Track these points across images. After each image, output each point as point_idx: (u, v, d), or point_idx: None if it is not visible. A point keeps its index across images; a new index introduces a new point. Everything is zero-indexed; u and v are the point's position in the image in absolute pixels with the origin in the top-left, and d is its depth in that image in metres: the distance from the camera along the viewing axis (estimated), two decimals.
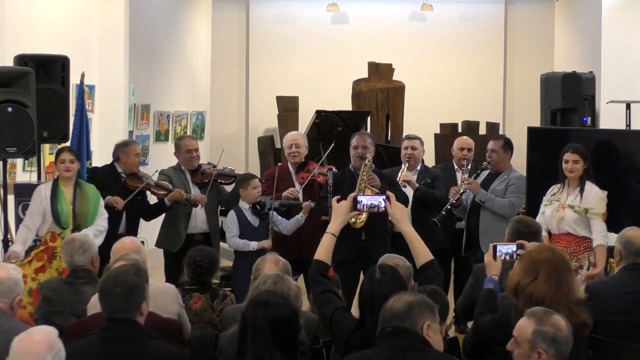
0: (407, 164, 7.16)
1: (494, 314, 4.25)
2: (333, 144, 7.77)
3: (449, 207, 6.97)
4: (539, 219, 6.10)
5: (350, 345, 3.74)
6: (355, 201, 4.15)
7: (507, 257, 4.55)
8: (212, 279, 5.22)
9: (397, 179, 6.98)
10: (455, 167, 7.60)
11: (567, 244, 6.03)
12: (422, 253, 4.11)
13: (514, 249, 4.56)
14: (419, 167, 7.27)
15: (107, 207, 6.66)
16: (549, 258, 4.08)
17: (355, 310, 4.12)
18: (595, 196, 6.10)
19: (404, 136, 7.78)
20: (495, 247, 4.56)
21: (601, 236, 6.03)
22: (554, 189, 6.26)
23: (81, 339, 3.70)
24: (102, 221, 6.46)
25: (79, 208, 6.33)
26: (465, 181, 7.09)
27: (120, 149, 7.06)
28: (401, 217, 4.15)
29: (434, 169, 7.63)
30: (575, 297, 4.10)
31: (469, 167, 7.40)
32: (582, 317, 4.00)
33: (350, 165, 6.83)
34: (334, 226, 4.13)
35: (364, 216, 6.38)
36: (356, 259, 6.45)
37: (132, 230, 6.86)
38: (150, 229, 7.27)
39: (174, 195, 6.95)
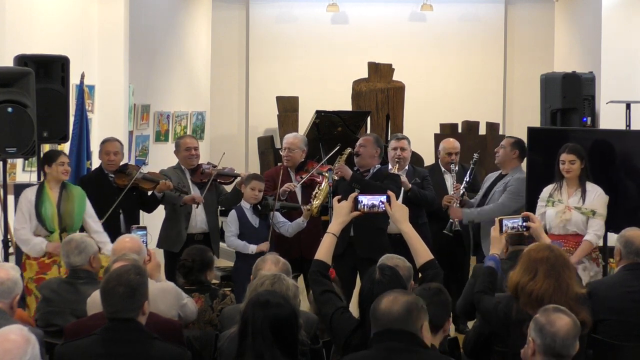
0: (396, 165, 7.15)
1: (497, 295, 4.30)
2: (338, 147, 7.74)
3: (452, 229, 7.02)
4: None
5: (350, 345, 3.75)
6: (356, 201, 4.15)
7: (512, 230, 4.66)
8: (210, 278, 5.19)
9: None
10: (443, 169, 7.60)
11: (575, 245, 6.05)
12: (422, 253, 4.12)
13: (520, 222, 4.66)
14: (406, 167, 7.28)
15: (111, 214, 6.69)
16: (547, 256, 4.11)
17: (352, 308, 4.13)
18: (599, 198, 6.12)
19: (391, 137, 7.76)
20: (501, 221, 4.64)
21: (595, 234, 6.05)
22: (550, 189, 6.25)
23: (83, 339, 3.70)
24: (98, 226, 6.44)
25: (64, 209, 6.29)
26: (457, 188, 7.14)
27: (99, 148, 7.09)
28: (401, 217, 4.15)
29: (421, 169, 7.62)
30: (576, 294, 4.11)
31: (457, 169, 7.42)
32: (582, 315, 4.01)
33: (355, 168, 6.85)
34: (335, 226, 4.13)
35: (316, 203, 6.49)
36: (343, 253, 6.43)
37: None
38: (151, 230, 7.27)
39: (161, 187, 6.97)
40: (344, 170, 6.61)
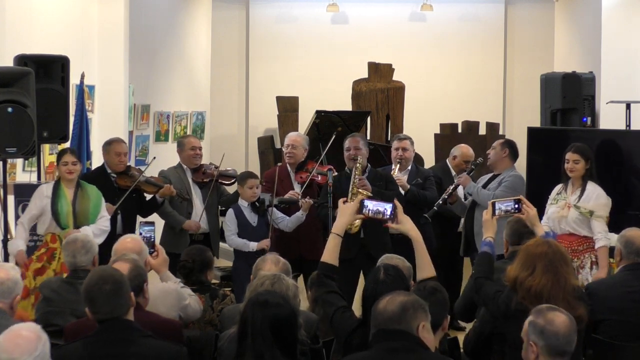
0: (398, 165, 7.15)
1: (495, 283, 4.34)
2: (332, 139, 7.79)
3: (440, 202, 6.96)
4: (544, 221, 6.11)
5: (352, 344, 3.76)
6: (362, 204, 4.16)
7: (505, 213, 4.69)
8: (210, 278, 5.18)
9: None
10: (453, 172, 7.60)
11: (568, 244, 6.03)
12: (426, 267, 4.13)
13: (513, 204, 4.69)
14: (409, 167, 7.27)
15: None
16: (545, 251, 4.13)
17: (356, 310, 4.14)
18: (598, 199, 6.10)
19: (393, 137, 7.76)
20: (494, 204, 4.67)
21: (603, 237, 6.04)
22: (558, 188, 6.26)
23: (76, 342, 3.67)
24: (104, 221, 6.45)
25: (79, 208, 6.32)
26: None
27: (103, 148, 7.08)
28: (411, 226, 4.18)
29: (424, 169, 7.61)
30: (573, 290, 4.12)
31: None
32: (579, 310, 4.03)
33: (346, 168, 6.84)
34: (339, 226, 4.13)
35: (358, 222, 6.46)
36: (355, 257, 6.45)
37: (129, 229, 6.85)
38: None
39: (164, 192, 6.98)
40: (367, 185, 6.57)
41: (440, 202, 6.95)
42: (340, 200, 4.34)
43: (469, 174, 7.12)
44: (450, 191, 6.99)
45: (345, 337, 3.81)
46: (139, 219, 7.17)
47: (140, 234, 5.09)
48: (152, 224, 5.22)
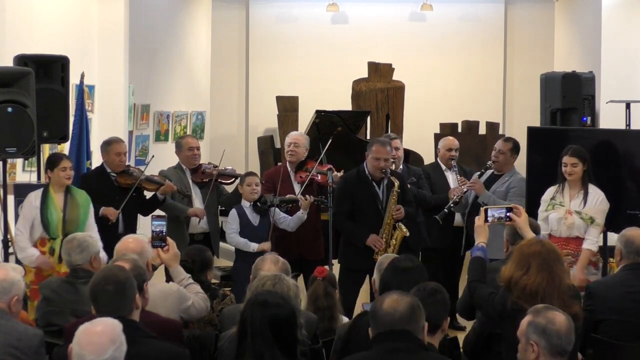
0: (392, 165, 7.15)
1: (488, 285, 4.37)
2: (331, 140, 7.81)
3: (452, 204, 7.04)
4: (540, 221, 6.10)
5: (357, 326, 3.87)
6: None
7: (497, 220, 4.75)
8: (210, 278, 5.18)
9: None
10: (443, 167, 7.61)
11: (575, 247, 6.05)
12: None
13: (505, 212, 4.76)
14: (400, 167, 7.28)
15: (102, 218, 6.64)
16: (539, 250, 4.14)
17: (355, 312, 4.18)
18: (600, 206, 6.09)
19: (383, 136, 7.77)
20: (486, 211, 4.73)
21: (593, 242, 6.03)
22: (552, 191, 6.23)
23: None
24: (94, 234, 6.39)
25: (69, 215, 6.25)
26: (463, 182, 7.15)
27: (102, 148, 7.08)
28: None
29: (414, 168, 7.64)
30: (568, 288, 4.14)
31: (456, 166, 7.45)
32: (575, 308, 4.04)
33: (365, 168, 6.71)
34: None
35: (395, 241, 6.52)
36: (368, 269, 6.44)
37: (131, 229, 6.85)
38: (147, 231, 7.24)
39: (165, 189, 6.99)
40: (402, 212, 6.56)
41: (452, 205, 7.03)
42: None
43: (480, 177, 7.14)
44: (460, 195, 7.04)
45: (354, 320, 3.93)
46: (141, 217, 7.19)
47: (152, 228, 5.03)
48: (163, 217, 5.13)
